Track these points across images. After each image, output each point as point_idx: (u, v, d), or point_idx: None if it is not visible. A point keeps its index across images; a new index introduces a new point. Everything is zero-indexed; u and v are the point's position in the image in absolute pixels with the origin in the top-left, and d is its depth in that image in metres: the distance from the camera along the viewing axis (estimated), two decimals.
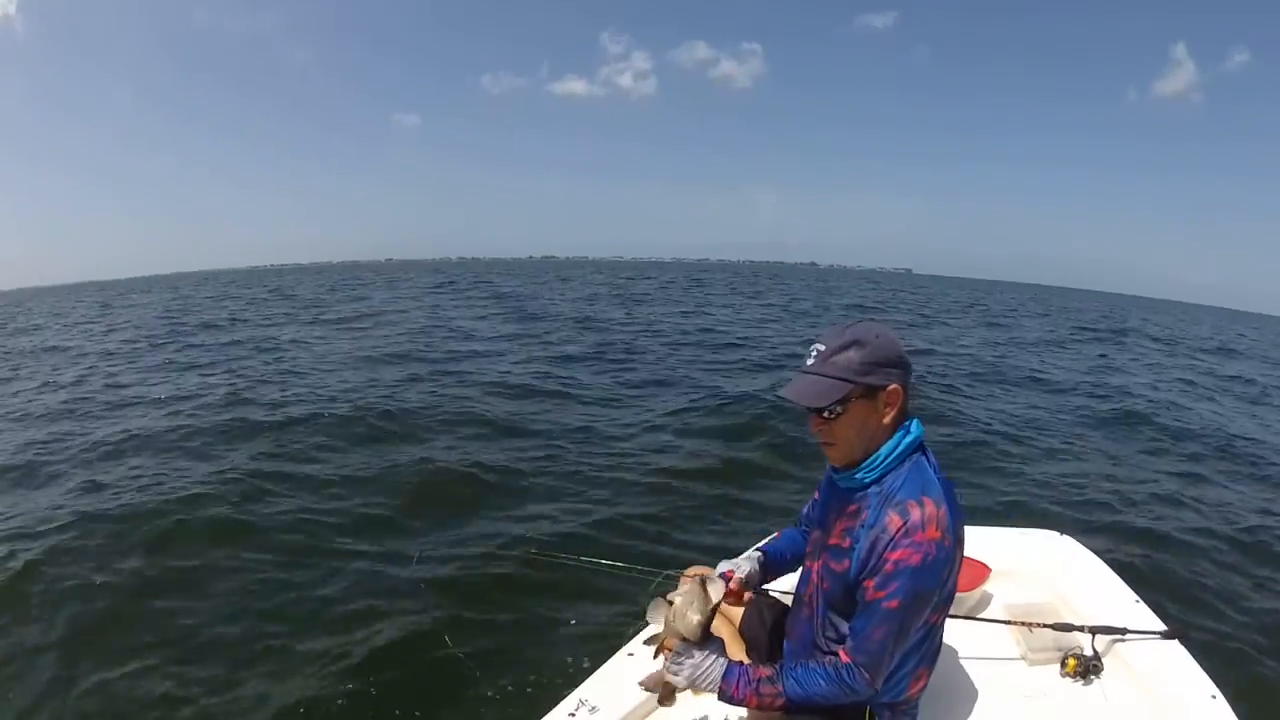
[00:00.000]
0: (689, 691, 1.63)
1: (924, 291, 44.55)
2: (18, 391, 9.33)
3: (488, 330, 14.55)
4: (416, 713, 2.61)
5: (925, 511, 1.24)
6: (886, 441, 1.32)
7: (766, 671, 1.33)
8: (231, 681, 2.79)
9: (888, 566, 1.25)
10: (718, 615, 1.85)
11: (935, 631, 1.39)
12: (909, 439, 1.33)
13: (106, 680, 2.79)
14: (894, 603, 1.24)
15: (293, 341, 12.94)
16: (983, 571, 2.23)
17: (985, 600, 2.22)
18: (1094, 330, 21.18)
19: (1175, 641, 1.92)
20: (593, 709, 1.70)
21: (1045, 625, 1.92)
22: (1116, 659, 1.87)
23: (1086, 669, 1.79)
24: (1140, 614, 2.09)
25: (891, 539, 1.24)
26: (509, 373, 9.38)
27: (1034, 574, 2.40)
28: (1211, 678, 1.75)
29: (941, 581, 1.29)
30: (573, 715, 1.69)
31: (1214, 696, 1.68)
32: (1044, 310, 32.48)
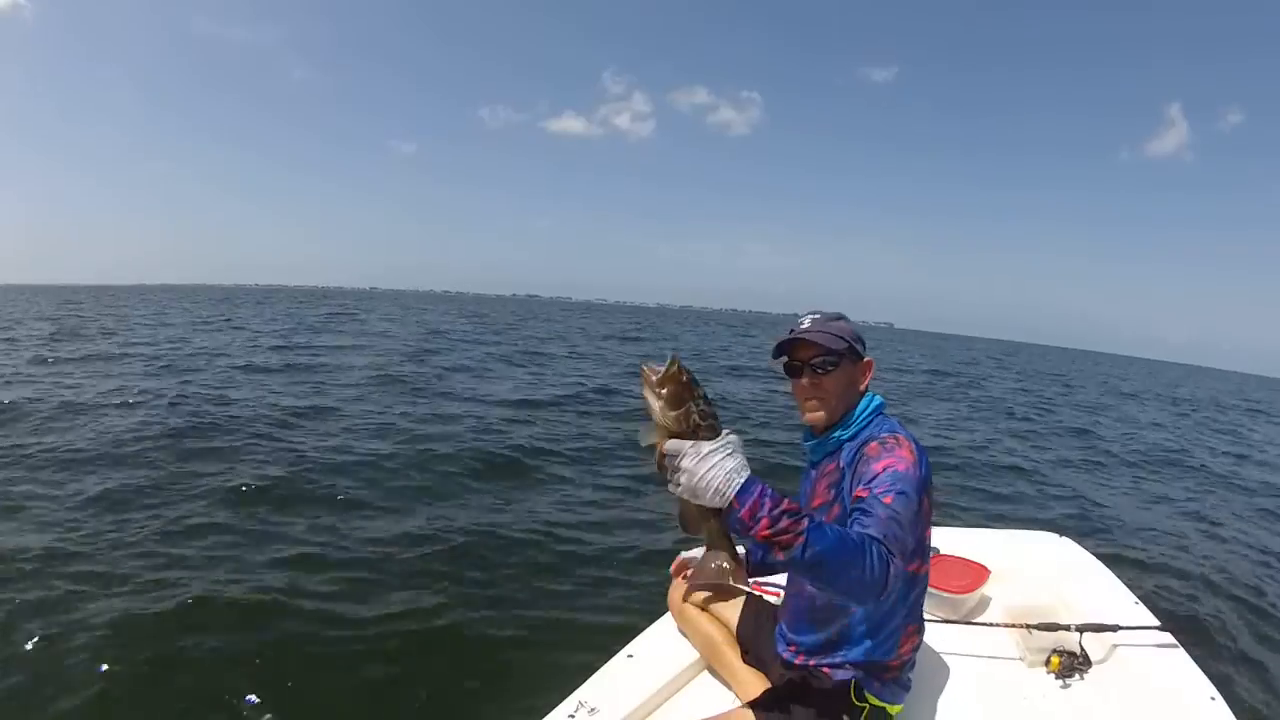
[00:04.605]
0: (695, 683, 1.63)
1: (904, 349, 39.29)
2: None
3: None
4: (416, 714, 2.61)
5: (899, 439, 1.39)
6: (858, 405, 1.51)
7: (792, 505, 1.10)
8: (238, 679, 2.79)
9: (876, 467, 1.31)
10: (711, 617, 1.86)
11: (919, 581, 1.48)
12: (875, 403, 1.52)
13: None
14: (889, 498, 1.24)
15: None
16: (982, 573, 2.23)
17: (985, 602, 2.23)
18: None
19: (1174, 643, 1.92)
20: (592, 710, 1.69)
21: (1044, 627, 1.92)
22: (1116, 660, 1.87)
23: (1072, 667, 1.80)
24: (1139, 615, 2.09)
25: (869, 460, 1.35)
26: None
27: (1033, 576, 2.40)
28: (1210, 678, 1.75)
29: (920, 499, 1.29)
30: (572, 716, 1.68)
31: (1213, 698, 1.68)
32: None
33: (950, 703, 1.72)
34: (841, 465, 1.44)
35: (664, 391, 1.11)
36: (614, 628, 2.88)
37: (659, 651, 1.91)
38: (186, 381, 9.37)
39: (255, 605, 3.37)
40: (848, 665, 1.47)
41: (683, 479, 1.08)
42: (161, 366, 10.67)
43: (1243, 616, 3.55)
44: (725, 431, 1.14)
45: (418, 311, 42.41)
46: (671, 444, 1.10)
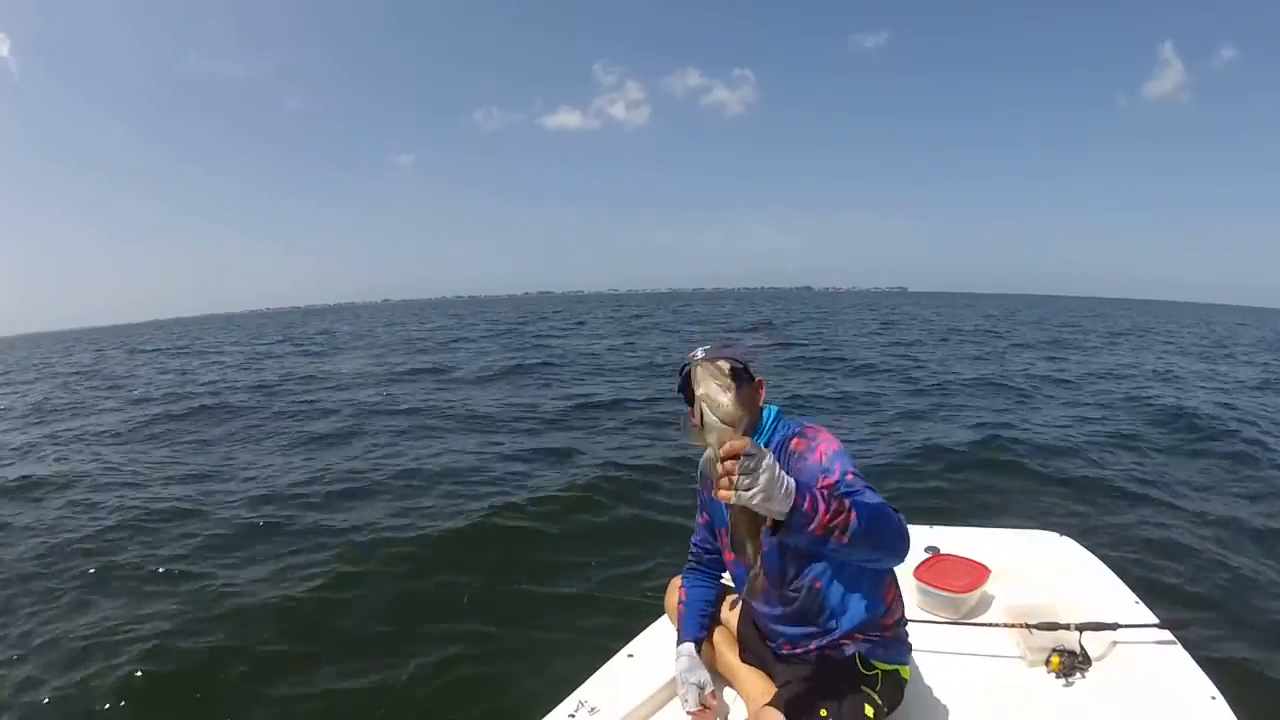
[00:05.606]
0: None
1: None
2: None
3: None
4: (416, 714, 2.61)
5: (816, 429, 1.49)
6: (761, 417, 1.60)
7: (822, 489, 1.15)
8: (255, 681, 2.80)
9: (814, 458, 1.39)
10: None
11: None
12: (775, 411, 1.63)
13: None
14: (850, 474, 1.31)
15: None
16: (982, 573, 2.23)
17: (985, 602, 2.23)
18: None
19: (1175, 642, 1.92)
20: (592, 710, 1.70)
21: (1044, 626, 1.92)
22: (1116, 659, 1.87)
23: (1072, 667, 1.80)
24: (1140, 614, 2.08)
25: (802, 453, 1.43)
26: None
27: (1034, 575, 2.40)
28: (1211, 678, 1.75)
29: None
30: (572, 716, 1.69)
31: (1213, 697, 1.67)
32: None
33: (950, 702, 1.72)
34: None
35: (737, 385, 1.07)
36: (614, 628, 2.88)
37: (659, 651, 1.91)
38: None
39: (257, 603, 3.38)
40: (845, 639, 1.50)
41: (763, 479, 1.00)
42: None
43: (1244, 615, 3.54)
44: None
45: (455, 317, 42.23)
46: (752, 445, 1.00)
